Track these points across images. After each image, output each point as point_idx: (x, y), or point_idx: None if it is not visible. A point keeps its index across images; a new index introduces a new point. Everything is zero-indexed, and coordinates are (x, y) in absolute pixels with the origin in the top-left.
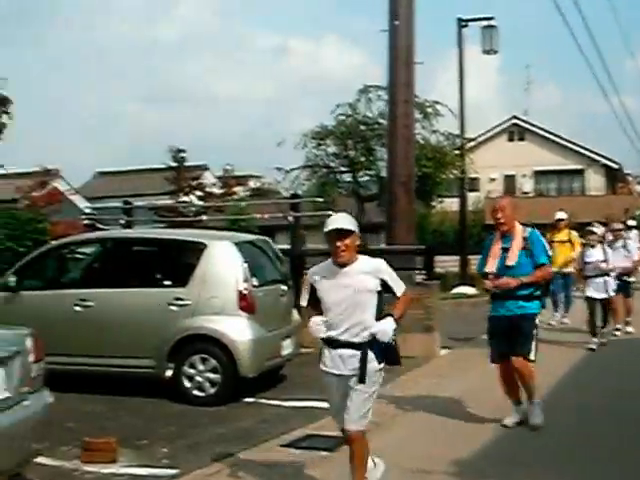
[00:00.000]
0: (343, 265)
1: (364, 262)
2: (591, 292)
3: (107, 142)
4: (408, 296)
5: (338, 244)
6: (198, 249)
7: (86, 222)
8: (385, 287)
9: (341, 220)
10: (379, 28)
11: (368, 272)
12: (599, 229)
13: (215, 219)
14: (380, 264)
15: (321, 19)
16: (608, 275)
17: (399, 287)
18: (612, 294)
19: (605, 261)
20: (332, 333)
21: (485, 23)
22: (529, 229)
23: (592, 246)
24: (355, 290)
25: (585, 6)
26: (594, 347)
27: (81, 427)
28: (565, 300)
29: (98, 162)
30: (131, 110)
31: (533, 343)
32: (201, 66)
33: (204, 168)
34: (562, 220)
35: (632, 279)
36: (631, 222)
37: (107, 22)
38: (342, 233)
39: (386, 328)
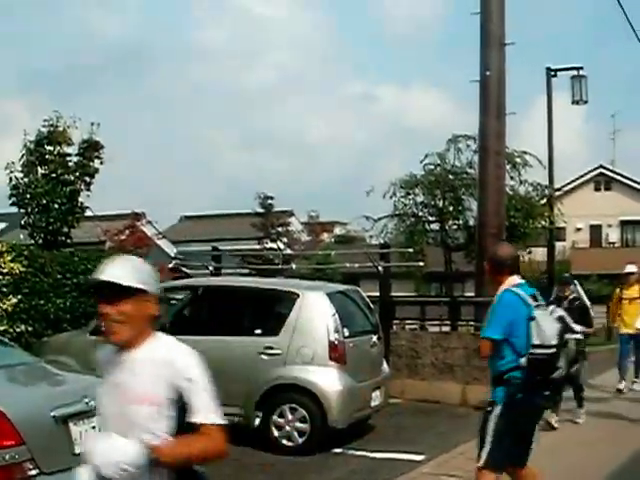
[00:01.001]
0: (122, 348)
1: (160, 348)
2: None
3: (196, 187)
4: (217, 439)
5: (104, 310)
6: (291, 298)
7: (171, 266)
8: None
9: (115, 269)
10: (470, 78)
11: (158, 368)
12: None
13: (304, 267)
14: (186, 357)
15: (411, 67)
16: None
17: (207, 411)
18: None
19: None
20: None
21: (574, 73)
22: (503, 291)
23: None
24: (125, 398)
25: None
26: None
27: None
28: (636, 364)
29: (186, 207)
30: (221, 155)
31: (486, 446)
32: (291, 113)
33: (290, 214)
34: (632, 274)
35: None
36: None
37: (201, 68)
38: (112, 291)
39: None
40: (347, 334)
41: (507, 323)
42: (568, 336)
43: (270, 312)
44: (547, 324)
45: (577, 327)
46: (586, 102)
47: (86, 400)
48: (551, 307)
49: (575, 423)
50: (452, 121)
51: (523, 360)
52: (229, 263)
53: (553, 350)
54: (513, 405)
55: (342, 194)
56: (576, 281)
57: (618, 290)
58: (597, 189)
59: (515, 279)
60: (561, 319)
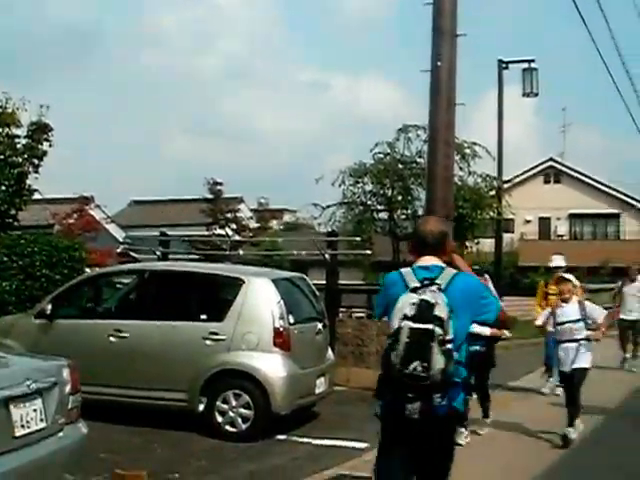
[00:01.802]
0: None
1: None
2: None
3: (145, 172)
4: None
5: None
6: (236, 284)
7: (120, 251)
8: None
9: None
10: (421, 68)
11: None
12: None
13: (251, 254)
14: None
15: (363, 56)
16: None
17: None
18: None
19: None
20: None
21: (526, 65)
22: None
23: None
24: None
25: (625, 48)
26: None
27: (113, 458)
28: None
29: (134, 191)
30: (170, 141)
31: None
32: (241, 100)
33: (240, 200)
34: (559, 268)
35: None
36: None
37: (152, 52)
38: None
39: None
40: (292, 321)
41: (383, 307)
42: (406, 324)
43: (215, 298)
44: (398, 309)
45: (485, 329)
46: (537, 95)
47: (28, 383)
48: (425, 289)
49: (478, 435)
50: (403, 111)
51: None
52: (177, 249)
53: (390, 340)
54: (381, 413)
55: (292, 181)
56: (487, 275)
57: (543, 284)
58: (547, 182)
59: (425, 259)
60: (424, 305)
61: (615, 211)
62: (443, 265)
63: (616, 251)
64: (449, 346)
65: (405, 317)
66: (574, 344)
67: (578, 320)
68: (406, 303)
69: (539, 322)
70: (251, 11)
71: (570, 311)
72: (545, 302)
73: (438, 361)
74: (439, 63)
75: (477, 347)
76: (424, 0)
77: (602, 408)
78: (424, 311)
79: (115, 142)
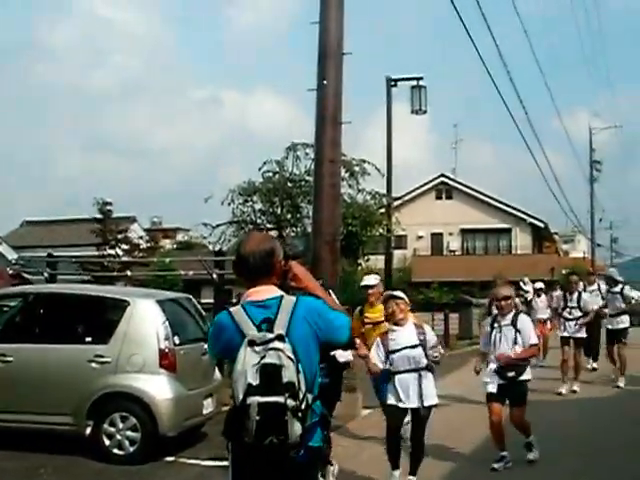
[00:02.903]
0: None
1: None
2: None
3: (38, 191)
4: None
5: None
6: (121, 306)
7: (11, 272)
8: None
9: None
10: (310, 87)
11: None
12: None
13: (140, 274)
14: None
15: (254, 73)
16: None
17: None
18: None
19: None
20: None
21: (414, 83)
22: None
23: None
24: None
25: (513, 66)
26: None
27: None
28: None
29: (28, 211)
30: (63, 159)
31: None
32: (134, 117)
33: (132, 220)
34: (371, 287)
35: None
36: (539, 285)
37: (41, 69)
38: None
39: None
40: (178, 342)
41: (216, 356)
42: (254, 400)
43: (100, 320)
44: (239, 374)
45: (347, 354)
46: (425, 112)
47: None
48: (266, 346)
49: None
50: (293, 129)
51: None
52: (67, 270)
53: (237, 412)
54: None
55: (185, 200)
56: (330, 290)
57: (358, 312)
58: (438, 197)
59: (259, 291)
60: (270, 369)
61: (506, 226)
62: (279, 294)
63: (508, 265)
64: (303, 407)
65: (249, 388)
66: (413, 374)
67: (416, 346)
68: (248, 366)
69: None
70: (145, 27)
71: (406, 335)
72: (363, 337)
73: (295, 430)
74: (325, 82)
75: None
76: (312, 19)
77: None
78: (271, 379)
79: (7, 159)
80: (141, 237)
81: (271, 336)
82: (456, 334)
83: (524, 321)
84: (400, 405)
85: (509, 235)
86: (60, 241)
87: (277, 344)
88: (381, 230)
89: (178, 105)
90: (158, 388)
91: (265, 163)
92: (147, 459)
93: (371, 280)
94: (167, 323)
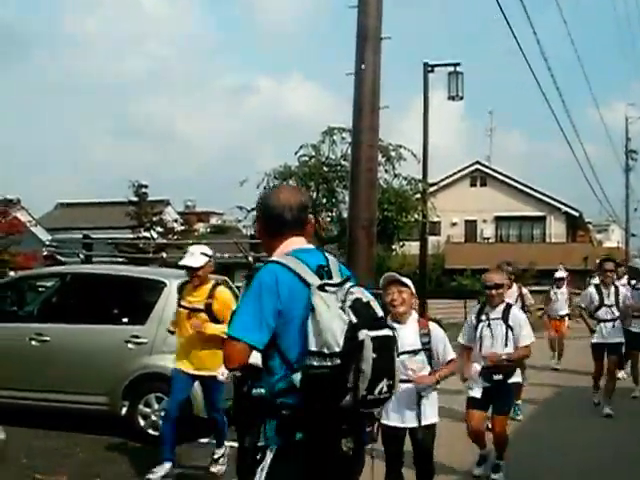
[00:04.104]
0: None
1: None
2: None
3: (72, 174)
4: None
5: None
6: (157, 287)
7: (45, 254)
8: None
9: None
10: (346, 71)
11: None
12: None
13: (175, 257)
14: None
15: (290, 60)
16: None
17: None
18: None
19: None
20: None
21: (451, 69)
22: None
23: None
24: None
25: (550, 53)
26: None
27: (34, 463)
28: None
29: (61, 194)
30: (97, 143)
31: None
32: (168, 102)
33: (166, 203)
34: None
35: None
36: (559, 274)
37: (73, 55)
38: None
39: None
40: None
41: (269, 315)
42: (367, 335)
43: (137, 301)
44: (331, 316)
45: None
46: (462, 98)
47: None
48: (348, 285)
49: None
50: (329, 113)
51: (297, 377)
52: (102, 251)
53: (337, 361)
54: (291, 451)
55: (219, 184)
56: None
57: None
58: (473, 185)
59: (295, 242)
60: (360, 305)
61: (541, 214)
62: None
63: (542, 254)
64: None
65: (353, 325)
66: (410, 387)
67: (418, 351)
68: (335, 308)
69: None
70: (176, 12)
71: (406, 336)
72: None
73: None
74: (363, 66)
75: None
76: (349, 2)
77: None
78: (368, 313)
79: (40, 144)
80: (175, 220)
81: (339, 280)
82: None
83: (517, 316)
84: (393, 424)
85: (543, 223)
86: (94, 223)
87: (349, 285)
88: (416, 216)
89: (213, 91)
90: None
91: (301, 147)
92: (181, 440)
93: (197, 258)
94: None
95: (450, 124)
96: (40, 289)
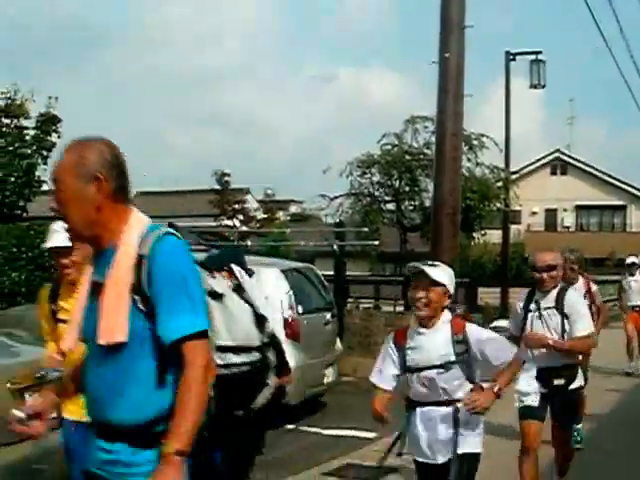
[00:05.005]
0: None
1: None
2: None
3: (153, 164)
4: None
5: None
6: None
7: None
8: None
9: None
10: (430, 60)
11: None
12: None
13: (259, 245)
14: None
15: (371, 48)
16: None
17: None
18: None
19: None
20: None
21: (533, 57)
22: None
23: None
24: None
25: (632, 39)
26: None
27: None
28: None
29: (141, 182)
30: (177, 133)
31: None
32: (248, 92)
33: (246, 192)
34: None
35: None
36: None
37: (160, 50)
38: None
39: None
40: (301, 311)
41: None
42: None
43: None
44: (239, 305)
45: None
46: (544, 87)
47: (42, 372)
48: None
49: None
50: (411, 102)
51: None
52: (185, 240)
53: (257, 356)
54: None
55: (299, 173)
56: None
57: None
58: (553, 173)
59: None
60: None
61: (622, 203)
62: None
63: (622, 243)
64: None
65: (261, 315)
66: (444, 410)
67: (451, 364)
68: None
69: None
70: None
71: (434, 344)
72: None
73: None
74: (447, 55)
75: None
76: None
77: None
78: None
79: (121, 133)
80: (256, 209)
81: None
82: None
83: (573, 300)
84: (422, 460)
85: (624, 212)
86: (173, 212)
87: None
88: (498, 204)
89: (294, 80)
90: None
91: (384, 136)
92: (269, 427)
93: (57, 239)
94: (291, 292)
95: (531, 112)
96: None
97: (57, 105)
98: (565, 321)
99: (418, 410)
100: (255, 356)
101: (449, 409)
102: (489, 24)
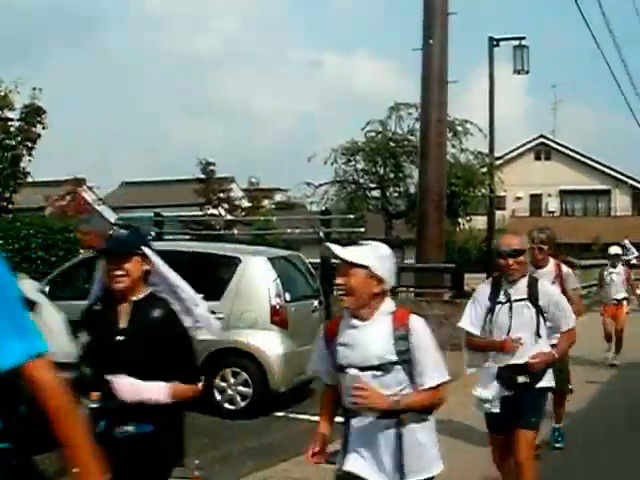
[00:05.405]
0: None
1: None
2: None
3: (138, 153)
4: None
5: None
6: (232, 263)
7: (112, 233)
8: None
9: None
10: (413, 47)
11: None
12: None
13: (245, 233)
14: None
15: (355, 35)
16: None
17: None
18: None
19: None
20: None
21: (516, 43)
22: None
23: None
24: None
25: (615, 25)
26: None
27: None
28: None
29: (126, 172)
30: (160, 122)
31: None
32: (233, 80)
33: (231, 180)
34: None
35: None
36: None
37: (144, 34)
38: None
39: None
40: (289, 299)
41: None
42: None
43: (212, 276)
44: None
45: None
46: (527, 72)
47: None
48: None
49: None
50: (395, 89)
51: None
52: (171, 229)
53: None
54: None
55: (283, 161)
56: None
57: None
58: (537, 158)
59: None
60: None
61: (606, 187)
62: None
63: (607, 227)
64: None
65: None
66: (385, 423)
67: (393, 364)
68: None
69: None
70: None
71: (371, 340)
72: None
73: None
74: (430, 41)
75: None
76: None
77: None
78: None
79: (105, 123)
80: (242, 197)
81: None
82: None
83: (549, 291)
84: (352, 470)
85: (609, 197)
86: (159, 201)
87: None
88: (483, 190)
89: (278, 68)
90: (269, 344)
91: (368, 123)
92: (258, 414)
93: None
94: (278, 280)
95: (515, 98)
96: None
97: (41, 96)
98: (539, 315)
99: (352, 422)
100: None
101: (391, 421)
102: (473, 10)
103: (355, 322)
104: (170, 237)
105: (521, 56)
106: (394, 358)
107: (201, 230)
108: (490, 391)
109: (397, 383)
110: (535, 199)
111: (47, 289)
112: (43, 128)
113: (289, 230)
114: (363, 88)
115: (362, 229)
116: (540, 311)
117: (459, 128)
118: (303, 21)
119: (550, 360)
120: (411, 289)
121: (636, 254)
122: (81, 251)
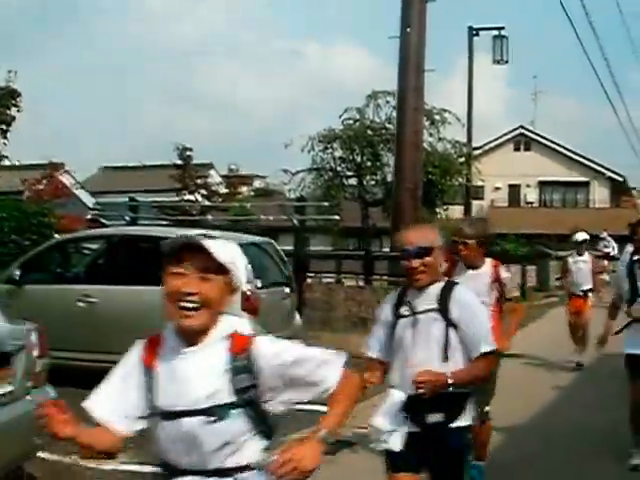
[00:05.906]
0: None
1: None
2: None
3: (117, 138)
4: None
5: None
6: None
7: (90, 217)
8: None
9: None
10: (390, 34)
11: None
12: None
13: (219, 219)
14: None
15: (333, 23)
16: None
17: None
18: None
19: None
20: None
21: (496, 33)
22: None
23: None
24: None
25: (596, 17)
26: None
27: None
28: None
29: (104, 157)
30: (139, 107)
31: None
32: (211, 67)
33: (209, 167)
34: None
35: None
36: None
37: (125, 22)
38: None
39: None
40: (259, 285)
41: None
42: None
43: None
44: None
45: None
46: (507, 62)
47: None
48: None
49: None
50: (373, 77)
51: None
52: (147, 214)
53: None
54: None
55: (263, 148)
56: None
57: None
58: (517, 149)
59: None
60: None
61: (585, 179)
62: None
63: (585, 219)
64: None
65: None
66: None
67: (229, 407)
68: None
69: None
70: None
71: (201, 374)
72: None
73: None
74: (408, 29)
75: None
76: None
77: None
78: None
79: (87, 109)
80: (219, 184)
81: None
82: (533, 286)
83: (466, 301)
84: None
85: (587, 188)
86: (137, 186)
87: None
88: (460, 179)
89: (257, 56)
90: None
91: (346, 111)
92: None
93: None
94: (249, 266)
95: (495, 89)
96: (85, 251)
97: (16, 79)
98: (450, 331)
99: None
100: None
101: None
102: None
103: (183, 347)
104: (146, 222)
105: (500, 46)
106: (231, 399)
107: (177, 216)
108: (390, 423)
109: (235, 434)
110: (514, 190)
111: (18, 273)
112: (18, 111)
113: (263, 217)
114: (343, 76)
115: (337, 217)
116: (451, 324)
117: (437, 117)
118: (283, 9)
119: (441, 386)
120: (385, 277)
121: (615, 246)
122: (55, 235)
